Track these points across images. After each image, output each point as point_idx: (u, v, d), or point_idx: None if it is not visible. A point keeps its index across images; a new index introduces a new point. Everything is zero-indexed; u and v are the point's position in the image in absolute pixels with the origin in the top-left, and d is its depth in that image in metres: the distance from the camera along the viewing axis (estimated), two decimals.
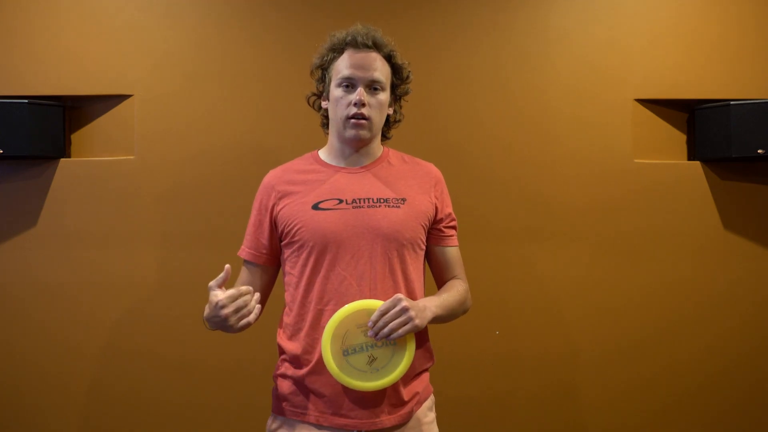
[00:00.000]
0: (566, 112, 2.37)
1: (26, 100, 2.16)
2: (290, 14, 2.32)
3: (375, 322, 1.36)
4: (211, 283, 1.37)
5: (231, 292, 1.35)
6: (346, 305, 1.39)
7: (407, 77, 1.59)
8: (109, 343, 2.27)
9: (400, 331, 1.35)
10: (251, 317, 1.36)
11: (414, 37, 2.33)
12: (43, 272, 2.26)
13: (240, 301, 1.35)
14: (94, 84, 2.28)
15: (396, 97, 1.60)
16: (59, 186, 2.27)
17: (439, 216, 1.57)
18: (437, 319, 1.48)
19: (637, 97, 2.38)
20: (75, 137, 2.33)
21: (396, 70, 1.56)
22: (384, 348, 1.39)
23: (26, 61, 2.25)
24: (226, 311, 1.34)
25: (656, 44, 2.38)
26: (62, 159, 2.27)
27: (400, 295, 1.38)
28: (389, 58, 1.55)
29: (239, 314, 1.35)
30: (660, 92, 2.38)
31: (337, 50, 1.54)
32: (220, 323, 1.38)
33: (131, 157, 2.29)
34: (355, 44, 1.51)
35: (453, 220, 1.61)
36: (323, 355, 1.38)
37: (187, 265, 2.28)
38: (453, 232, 1.61)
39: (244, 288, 1.37)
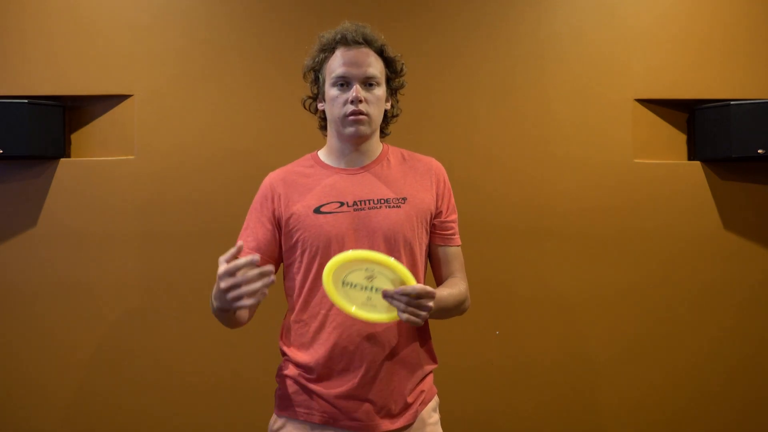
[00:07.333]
0: (566, 111, 2.37)
1: (26, 100, 2.16)
2: (291, 14, 2.32)
3: (400, 294, 1.27)
4: (221, 258, 1.22)
5: (228, 266, 1.19)
6: (355, 252, 1.32)
7: (401, 70, 1.57)
8: (109, 343, 2.27)
9: (411, 318, 1.28)
10: (246, 301, 1.18)
11: (414, 38, 2.33)
12: (43, 272, 2.26)
13: (239, 278, 1.19)
14: (94, 84, 2.28)
15: (392, 90, 1.57)
16: (59, 186, 2.27)
17: (440, 209, 1.54)
18: (430, 315, 1.41)
19: (637, 97, 2.38)
20: (75, 137, 2.33)
21: (389, 63, 1.54)
22: (379, 295, 1.32)
23: (26, 61, 2.25)
24: (223, 284, 1.19)
25: (656, 44, 2.38)
26: (62, 159, 2.27)
27: (435, 292, 1.31)
28: (381, 52, 1.52)
29: (237, 292, 1.18)
30: (660, 92, 2.38)
31: (328, 50, 1.52)
32: (221, 299, 1.22)
33: (131, 157, 2.29)
34: (345, 42, 1.49)
35: (453, 213, 1.58)
36: (323, 279, 1.30)
37: (187, 265, 2.28)
38: (454, 227, 1.57)
39: (242, 261, 1.18)
